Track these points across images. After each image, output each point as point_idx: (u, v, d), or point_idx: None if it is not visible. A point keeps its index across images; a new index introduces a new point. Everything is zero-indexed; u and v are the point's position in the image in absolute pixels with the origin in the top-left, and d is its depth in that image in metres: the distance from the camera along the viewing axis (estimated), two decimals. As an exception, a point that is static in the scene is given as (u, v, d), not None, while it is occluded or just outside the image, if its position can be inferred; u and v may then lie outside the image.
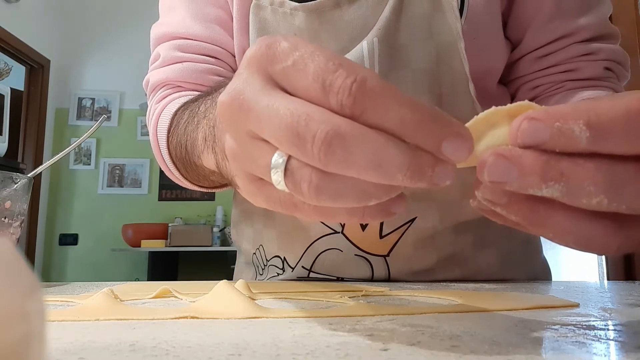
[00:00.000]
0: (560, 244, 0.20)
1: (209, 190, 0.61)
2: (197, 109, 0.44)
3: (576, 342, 0.22)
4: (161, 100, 0.62)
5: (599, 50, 0.58)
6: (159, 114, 0.60)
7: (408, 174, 0.19)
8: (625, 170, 0.18)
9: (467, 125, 0.21)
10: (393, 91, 0.20)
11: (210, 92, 0.45)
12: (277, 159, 0.22)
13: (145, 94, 0.68)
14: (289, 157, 0.21)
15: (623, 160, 0.19)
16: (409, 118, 0.19)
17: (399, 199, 0.22)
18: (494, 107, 0.21)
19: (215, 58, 0.63)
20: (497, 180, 0.19)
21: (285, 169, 0.21)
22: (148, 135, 0.64)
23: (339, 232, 0.58)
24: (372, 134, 0.20)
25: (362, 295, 0.40)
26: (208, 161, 0.39)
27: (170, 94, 0.62)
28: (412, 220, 0.56)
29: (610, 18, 0.61)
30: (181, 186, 0.63)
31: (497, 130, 0.21)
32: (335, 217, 0.23)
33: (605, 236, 0.19)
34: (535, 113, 0.19)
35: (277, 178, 0.22)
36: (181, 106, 0.54)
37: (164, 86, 0.64)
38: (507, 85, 0.64)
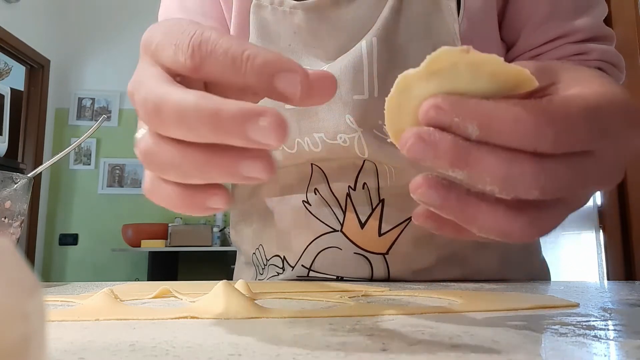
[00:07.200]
0: (484, 236, 0.23)
1: None
2: None
3: (576, 342, 0.22)
4: None
5: (591, 50, 0.58)
6: None
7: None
8: (520, 167, 0.21)
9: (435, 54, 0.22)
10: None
11: None
12: None
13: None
14: None
15: (521, 158, 0.21)
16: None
17: (220, 192, 0.23)
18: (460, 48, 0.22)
19: None
20: (415, 157, 0.22)
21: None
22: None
23: (338, 231, 0.58)
24: None
25: (362, 295, 0.40)
26: None
27: None
28: (411, 217, 0.56)
29: (609, 18, 0.61)
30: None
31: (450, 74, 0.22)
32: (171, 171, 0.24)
33: (523, 229, 0.22)
34: (442, 102, 0.21)
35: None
36: None
37: None
38: None
